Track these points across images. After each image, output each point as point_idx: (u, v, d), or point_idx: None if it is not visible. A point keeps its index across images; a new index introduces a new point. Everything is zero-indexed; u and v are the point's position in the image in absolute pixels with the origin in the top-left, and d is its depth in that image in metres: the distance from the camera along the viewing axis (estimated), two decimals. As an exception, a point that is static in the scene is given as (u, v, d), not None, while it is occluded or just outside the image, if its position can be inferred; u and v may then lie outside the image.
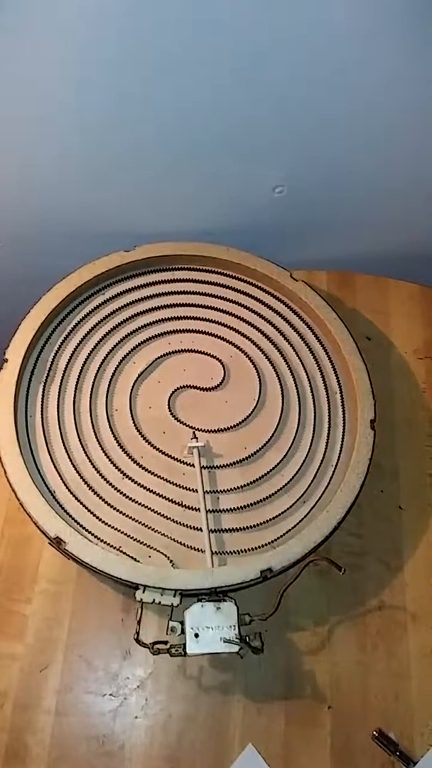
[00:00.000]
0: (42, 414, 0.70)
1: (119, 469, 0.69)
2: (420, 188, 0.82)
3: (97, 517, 0.66)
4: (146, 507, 0.67)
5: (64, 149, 0.72)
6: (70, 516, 0.65)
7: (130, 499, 0.67)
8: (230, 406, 0.74)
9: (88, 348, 0.74)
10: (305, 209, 0.84)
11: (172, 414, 0.73)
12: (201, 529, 0.65)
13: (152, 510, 0.67)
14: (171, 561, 0.65)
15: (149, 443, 0.71)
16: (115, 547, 0.65)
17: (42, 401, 0.71)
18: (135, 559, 0.64)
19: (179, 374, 0.75)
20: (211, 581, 0.61)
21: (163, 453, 0.70)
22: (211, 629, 0.59)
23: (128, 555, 0.64)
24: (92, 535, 0.65)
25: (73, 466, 0.68)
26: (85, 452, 0.69)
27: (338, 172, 0.79)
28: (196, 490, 0.67)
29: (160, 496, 0.68)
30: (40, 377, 0.72)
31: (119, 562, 0.61)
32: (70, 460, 0.68)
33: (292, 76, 0.65)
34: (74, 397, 0.72)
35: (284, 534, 0.67)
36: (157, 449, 0.71)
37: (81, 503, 0.66)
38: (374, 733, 0.64)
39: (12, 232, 0.85)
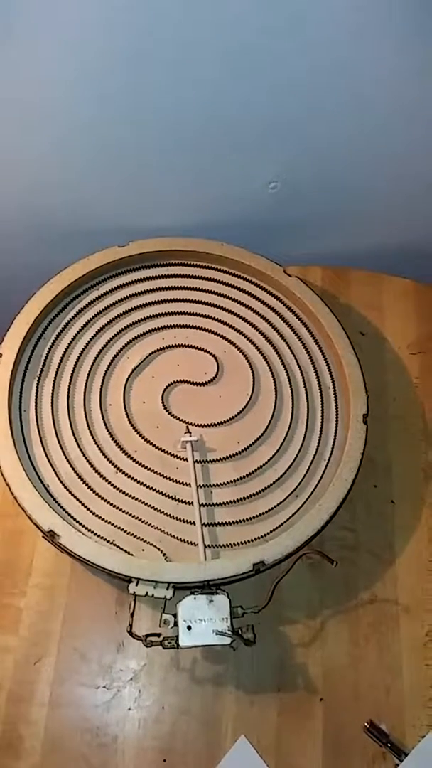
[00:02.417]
0: (36, 408, 0.70)
1: (113, 464, 0.69)
2: (415, 184, 0.82)
3: (91, 511, 0.66)
4: (140, 501, 0.68)
5: (58, 145, 0.73)
6: (64, 510, 0.66)
7: (124, 493, 0.68)
8: (224, 401, 0.74)
9: (82, 343, 0.75)
10: (299, 205, 0.84)
11: (165, 409, 0.73)
12: (194, 523, 0.66)
13: (145, 504, 0.68)
14: (164, 554, 0.65)
15: (143, 438, 0.71)
16: (108, 541, 0.65)
17: (36, 396, 0.71)
18: (128, 553, 0.64)
19: (173, 369, 0.75)
20: (204, 574, 0.61)
21: (157, 447, 0.71)
22: (203, 622, 0.60)
23: (121, 548, 0.65)
24: (86, 528, 0.65)
25: (67, 460, 0.68)
26: (79, 446, 0.69)
27: (332, 168, 0.79)
28: (190, 484, 0.68)
29: (154, 490, 0.68)
30: (35, 372, 0.72)
31: (112, 556, 0.62)
32: (64, 455, 0.69)
33: (287, 72, 0.65)
34: (68, 392, 0.72)
35: (277, 528, 0.67)
36: (151, 444, 0.71)
37: (75, 497, 0.67)
38: (366, 724, 0.65)
39: (6, 228, 0.85)
